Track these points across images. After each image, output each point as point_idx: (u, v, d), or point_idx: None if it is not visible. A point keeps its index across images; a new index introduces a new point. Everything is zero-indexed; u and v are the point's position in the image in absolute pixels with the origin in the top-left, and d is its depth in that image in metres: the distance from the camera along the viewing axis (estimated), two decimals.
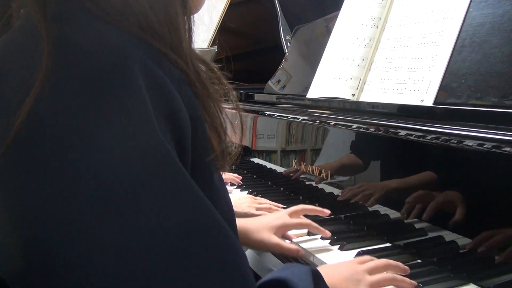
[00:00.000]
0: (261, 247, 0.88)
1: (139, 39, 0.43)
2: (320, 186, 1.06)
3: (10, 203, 0.38)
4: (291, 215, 0.93)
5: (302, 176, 1.14)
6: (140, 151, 0.39)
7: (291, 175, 1.19)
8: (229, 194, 0.55)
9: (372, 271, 0.69)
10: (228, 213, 0.52)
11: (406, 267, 0.72)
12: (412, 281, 0.70)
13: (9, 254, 0.38)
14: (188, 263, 0.39)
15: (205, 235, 0.41)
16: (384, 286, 0.69)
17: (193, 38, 0.51)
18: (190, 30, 0.50)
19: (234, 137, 0.56)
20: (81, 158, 0.37)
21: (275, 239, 0.87)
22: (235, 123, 0.56)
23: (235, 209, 1.09)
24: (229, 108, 0.55)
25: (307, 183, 1.12)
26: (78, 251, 0.36)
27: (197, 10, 0.57)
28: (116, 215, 0.37)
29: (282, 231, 0.90)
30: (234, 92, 0.55)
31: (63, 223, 0.36)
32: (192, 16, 0.51)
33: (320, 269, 0.66)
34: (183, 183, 0.41)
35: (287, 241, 0.91)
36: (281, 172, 1.24)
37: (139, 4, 0.44)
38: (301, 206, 0.95)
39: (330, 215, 0.95)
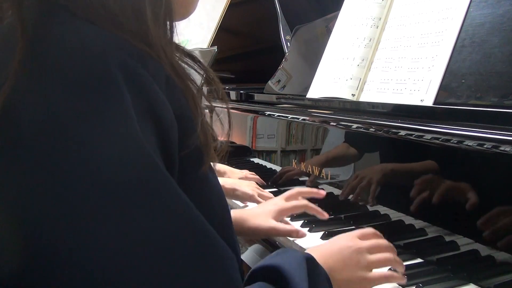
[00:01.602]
0: (258, 233, 0.85)
1: (117, 36, 0.41)
2: (320, 186, 1.06)
3: None
4: (287, 199, 0.90)
5: (301, 176, 1.14)
6: (119, 154, 0.38)
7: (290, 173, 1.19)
8: None
9: (373, 250, 0.67)
10: (220, 206, 0.51)
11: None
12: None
13: (3, 256, 0.38)
14: (172, 267, 0.38)
15: (188, 239, 0.40)
16: (382, 266, 0.68)
17: (175, 29, 0.48)
18: (172, 23, 0.47)
19: (220, 133, 0.55)
20: (57, 160, 0.36)
21: (271, 223, 0.84)
22: (220, 116, 0.55)
23: (236, 187, 1.08)
24: (218, 106, 0.54)
25: (307, 183, 1.12)
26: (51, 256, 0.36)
27: (189, 10, 0.55)
28: (92, 216, 0.36)
29: (279, 216, 0.87)
30: (222, 87, 0.53)
31: (49, 225, 0.36)
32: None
33: (316, 249, 0.64)
34: (164, 186, 0.40)
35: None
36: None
37: None
38: (296, 189, 0.93)
39: (330, 215, 0.95)
